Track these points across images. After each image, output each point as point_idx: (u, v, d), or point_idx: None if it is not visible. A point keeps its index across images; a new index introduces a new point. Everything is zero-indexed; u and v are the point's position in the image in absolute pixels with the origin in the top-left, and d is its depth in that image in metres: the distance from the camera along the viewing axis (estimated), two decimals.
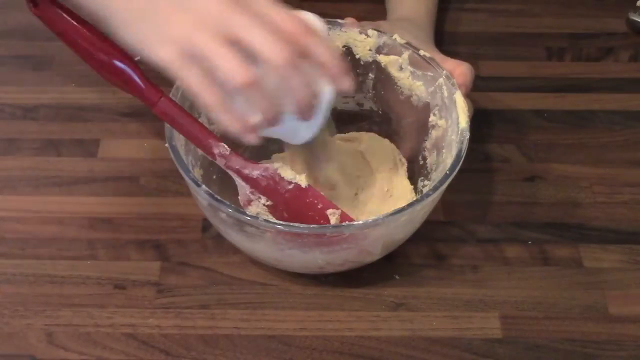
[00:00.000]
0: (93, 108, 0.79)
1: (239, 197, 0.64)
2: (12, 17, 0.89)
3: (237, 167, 0.62)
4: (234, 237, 0.62)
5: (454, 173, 0.60)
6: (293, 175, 0.63)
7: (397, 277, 0.67)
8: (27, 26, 0.87)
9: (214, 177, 0.68)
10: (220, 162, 0.62)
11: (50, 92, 0.81)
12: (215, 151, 0.61)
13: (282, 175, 0.63)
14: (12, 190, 0.72)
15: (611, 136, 0.78)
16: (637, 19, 0.88)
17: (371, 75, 0.71)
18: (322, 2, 0.89)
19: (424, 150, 0.70)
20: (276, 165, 0.63)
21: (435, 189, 0.59)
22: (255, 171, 0.63)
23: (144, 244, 0.69)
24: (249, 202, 0.64)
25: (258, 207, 0.64)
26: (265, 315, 0.64)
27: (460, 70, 0.68)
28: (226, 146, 0.62)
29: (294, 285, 0.66)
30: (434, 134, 0.69)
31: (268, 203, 0.64)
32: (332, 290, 0.66)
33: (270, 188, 0.63)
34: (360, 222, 0.57)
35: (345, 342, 0.63)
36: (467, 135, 0.62)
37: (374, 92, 0.73)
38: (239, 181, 0.63)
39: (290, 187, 0.63)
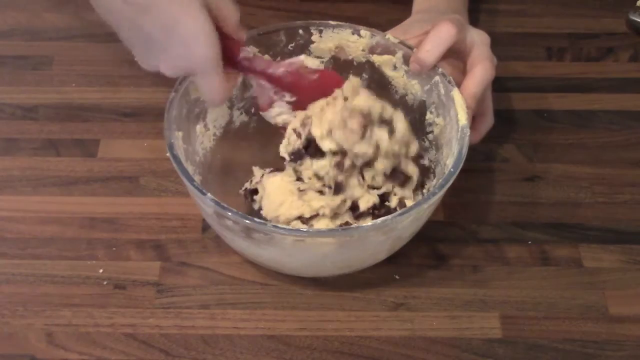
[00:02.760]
0: (93, 108, 0.79)
1: (258, 102, 0.64)
2: (12, 17, 0.89)
3: (261, 68, 0.62)
4: (240, 243, 0.61)
5: (458, 170, 0.59)
6: (318, 63, 0.63)
7: (397, 277, 0.67)
8: (27, 26, 0.88)
9: (213, 183, 0.67)
10: (244, 65, 0.62)
11: (50, 92, 0.81)
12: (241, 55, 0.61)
13: (308, 65, 0.63)
14: (12, 190, 0.72)
15: (611, 136, 0.78)
16: (637, 19, 0.88)
17: (365, 76, 0.71)
18: (322, 2, 0.89)
19: (423, 149, 0.70)
20: (301, 57, 0.63)
21: (441, 187, 0.59)
22: (280, 69, 0.63)
23: (144, 244, 0.69)
24: (271, 103, 0.64)
25: (281, 106, 0.64)
26: (265, 315, 0.64)
27: (482, 67, 0.66)
28: (249, 49, 0.62)
29: (294, 285, 0.66)
30: (432, 132, 0.69)
31: (292, 99, 0.64)
32: (332, 290, 0.66)
33: (295, 83, 0.63)
34: (369, 223, 0.57)
35: (345, 342, 0.63)
36: (468, 132, 0.62)
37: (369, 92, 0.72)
38: (261, 83, 0.63)
39: (315, 77, 0.63)
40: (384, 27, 0.70)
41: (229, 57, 0.60)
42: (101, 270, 0.67)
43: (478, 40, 0.67)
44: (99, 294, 0.65)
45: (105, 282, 0.66)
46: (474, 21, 0.89)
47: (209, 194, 0.58)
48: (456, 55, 0.67)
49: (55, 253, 0.68)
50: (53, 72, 0.83)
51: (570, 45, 0.87)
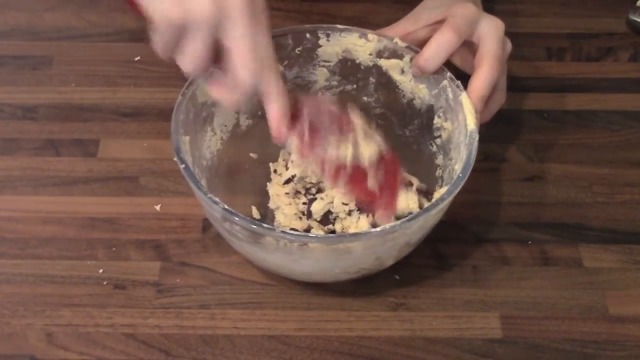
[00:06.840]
0: (93, 108, 0.79)
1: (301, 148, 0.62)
2: (12, 17, 0.89)
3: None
4: (248, 249, 0.61)
5: (467, 176, 0.59)
6: None
7: (397, 277, 0.67)
8: (27, 26, 0.88)
9: (219, 186, 0.67)
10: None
11: (50, 92, 0.81)
12: None
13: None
14: (12, 190, 0.72)
15: (611, 136, 0.78)
16: (637, 19, 0.88)
17: (372, 80, 0.71)
18: (322, 2, 0.89)
19: (430, 154, 0.70)
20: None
21: (450, 193, 0.58)
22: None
23: (144, 244, 0.69)
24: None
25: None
26: (265, 315, 0.64)
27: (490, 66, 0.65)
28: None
29: (294, 285, 0.66)
30: (440, 136, 0.68)
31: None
32: (332, 290, 0.66)
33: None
34: (378, 229, 0.57)
35: (345, 342, 0.63)
36: (477, 136, 0.61)
37: (375, 96, 0.72)
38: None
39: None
40: (383, 27, 0.70)
41: None
42: (101, 270, 0.67)
43: (487, 31, 0.66)
44: (99, 294, 0.65)
45: (105, 282, 0.66)
46: None
47: (217, 199, 0.57)
48: (466, 47, 0.67)
49: (55, 253, 0.68)
50: (53, 72, 0.83)
51: (570, 45, 0.87)
